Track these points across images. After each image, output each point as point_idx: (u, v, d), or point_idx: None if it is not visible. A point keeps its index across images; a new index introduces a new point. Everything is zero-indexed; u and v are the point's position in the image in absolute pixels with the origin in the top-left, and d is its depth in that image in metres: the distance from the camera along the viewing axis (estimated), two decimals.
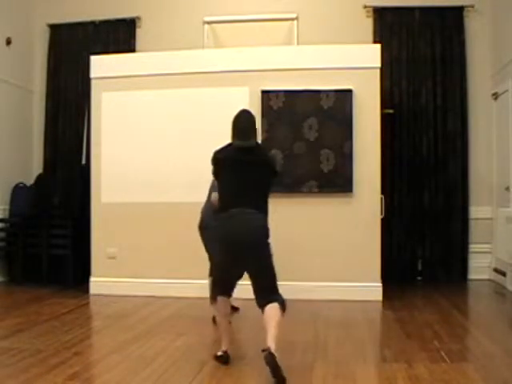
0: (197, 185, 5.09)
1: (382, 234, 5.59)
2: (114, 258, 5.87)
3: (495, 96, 6.55)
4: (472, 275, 6.61)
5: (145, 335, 4.24)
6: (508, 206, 5.99)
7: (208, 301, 3.85)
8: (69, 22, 7.25)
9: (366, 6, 6.79)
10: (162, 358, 3.67)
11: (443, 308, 5.21)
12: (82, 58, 6.94)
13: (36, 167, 7.34)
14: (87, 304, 5.54)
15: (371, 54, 5.63)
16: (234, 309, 4.71)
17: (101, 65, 6.01)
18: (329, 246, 5.59)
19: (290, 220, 5.57)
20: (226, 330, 3.68)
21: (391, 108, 6.53)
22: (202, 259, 4.57)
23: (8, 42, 6.89)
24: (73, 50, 7.26)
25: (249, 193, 3.44)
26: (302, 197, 5.65)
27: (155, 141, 5.87)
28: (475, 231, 6.66)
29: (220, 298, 3.55)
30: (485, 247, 6.63)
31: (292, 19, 6.88)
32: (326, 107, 5.63)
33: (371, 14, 6.80)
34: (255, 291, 3.41)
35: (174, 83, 5.82)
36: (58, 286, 6.17)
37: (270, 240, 3.48)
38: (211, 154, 3.56)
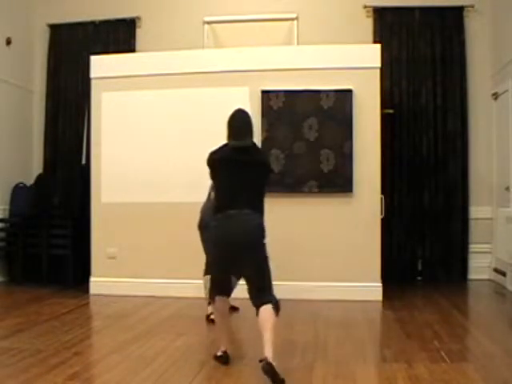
0: (197, 185, 5.09)
1: (382, 234, 5.59)
2: (113, 258, 5.87)
3: (495, 96, 6.55)
4: (472, 275, 6.61)
5: (145, 335, 4.24)
6: (508, 206, 5.99)
7: (204, 300, 3.85)
8: (69, 21, 7.26)
9: (366, 6, 6.80)
10: (162, 357, 3.67)
11: (443, 308, 5.21)
12: (82, 58, 6.94)
13: (36, 167, 7.35)
14: (87, 304, 5.54)
15: (371, 54, 5.63)
16: (234, 309, 4.71)
17: (101, 65, 6.01)
18: (329, 246, 5.59)
19: (290, 220, 5.58)
20: (225, 329, 3.68)
21: (391, 108, 6.53)
22: (201, 259, 4.56)
23: (8, 42, 6.89)
24: (73, 50, 7.26)
25: (245, 193, 3.43)
26: (301, 197, 5.65)
27: (155, 141, 5.87)
28: (475, 231, 6.66)
29: (218, 298, 3.54)
30: (485, 247, 6.63)
31: (292, 19, 6.88)
32: (326, 107, 5.63)
33: (371, 14, 6.80)
34: (250, 291, 3.40)
35: (174, 83, 5.82)
36: (57, 286, 6.17)
37: (267, 240, 3.47)
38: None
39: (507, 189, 6.06)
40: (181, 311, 5.12)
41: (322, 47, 5.82)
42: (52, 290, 6.04)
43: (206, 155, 3.57)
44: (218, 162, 3.52)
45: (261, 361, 3.12)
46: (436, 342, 3.98)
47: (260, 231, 3.45)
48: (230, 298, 3.63)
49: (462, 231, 6.62)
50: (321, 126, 5.63)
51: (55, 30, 7.36)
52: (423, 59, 6.69)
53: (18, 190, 6.93)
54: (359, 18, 6.80)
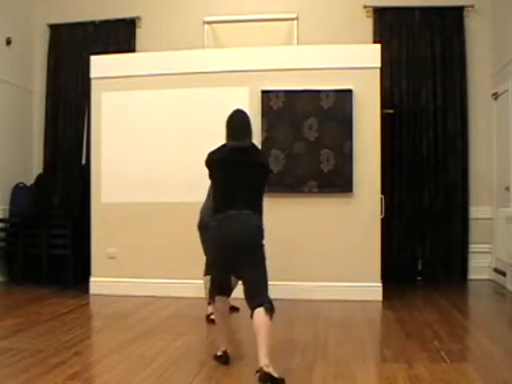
0: (197, 185, 5.08)
1: (382, 234, 5.59)
2: (113, 258, 5.87)
3: (495, 96, 6.55)
4: (472, 275, 6.61)
5: (145, 335, 4.23)
6: (508, 206, 5.99)
7: (204, 300, 3.84)
8: (69, 22, 7.25)
9: (366, 6, 6.80)
10: (162, 357, 3.67)
11: (443, 308, 5.21)
12: (82, 58, 6.94)
13: (36, 167, 7.35)
14: (87, 304, 5.54)
15: (371, 54, 5.63)
16: (234, 309, 4.71)
17: (101, 65, 6.01)
18: (329, 246, 5.59)
19: (290, 220, 5.58)
20: (225, 329, 3.68)
21: (391, 108, 6.53)
22: (201, 259, 4.56)
23: (8, 42, 6.89)
24: (73, 50, 7.26)
25: (244, 193, 3.42)
26: (302, 197, 5.65)
27: (155, 141, 5.87)
28: (475, 231, 6.66)
29: (218, 298, 3.54)
30: (485, 247, 6.63)
31: (292, 19, 6.88)
32: (326, 107, 5.63)
33: (371, 14, 6.80)
34: (245, 291, 3.38)
35: (174, 83, 5.82)
36: (58, 286, 6.17)
37: (265, 241, 3.47)
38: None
39: (507, 189, 6.06)
40: (181, 311, 5.12)
41: (321, 47, 5.82)
42: (52, 290, 6.04)
43: (206, 155, 3.57)
44: (216, 162, 3.51)
45: (257, 372, 3.10)
46: (436, 342, 3.98)
47: (259, 232, 3.44)
48: (230, 298, 3.62)
49: (462, 231, 6.62)
50: (321, 125, 5.63)
51: (55, 29, 7.36)
52: (423, 59, 6.69)
53: (18, 190, 6.93)
54: (359, 18, 6.80)
